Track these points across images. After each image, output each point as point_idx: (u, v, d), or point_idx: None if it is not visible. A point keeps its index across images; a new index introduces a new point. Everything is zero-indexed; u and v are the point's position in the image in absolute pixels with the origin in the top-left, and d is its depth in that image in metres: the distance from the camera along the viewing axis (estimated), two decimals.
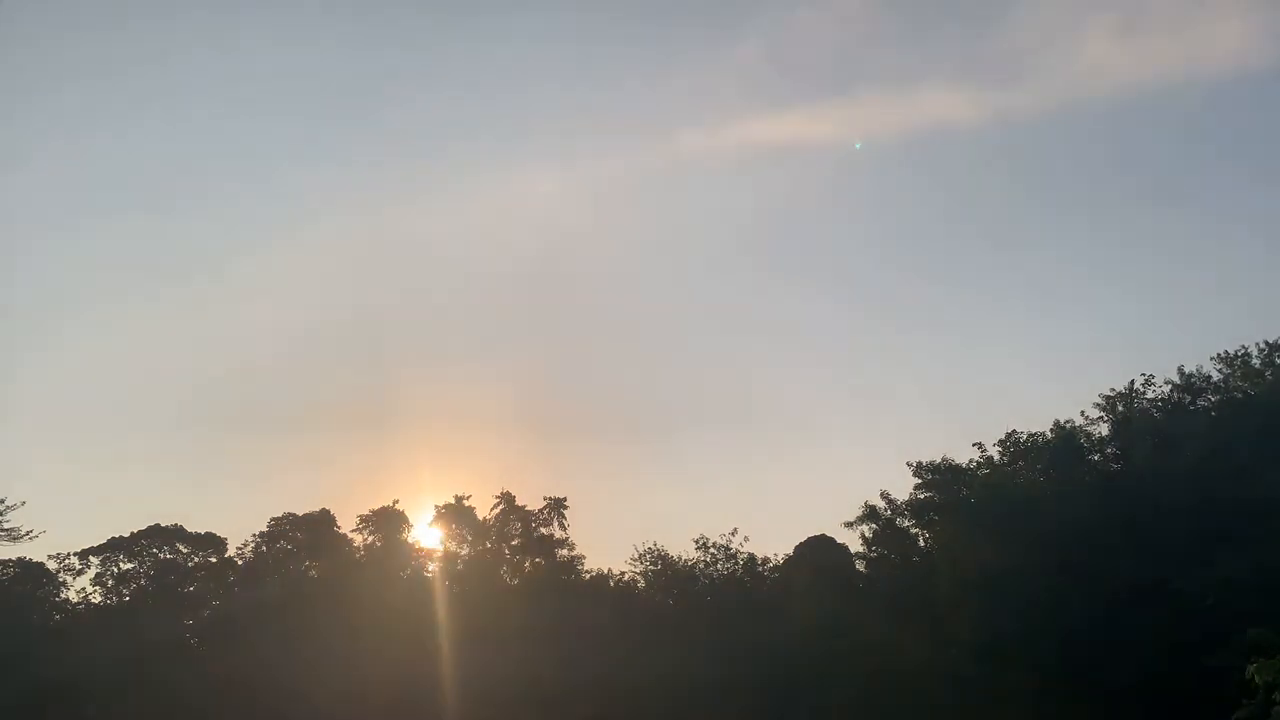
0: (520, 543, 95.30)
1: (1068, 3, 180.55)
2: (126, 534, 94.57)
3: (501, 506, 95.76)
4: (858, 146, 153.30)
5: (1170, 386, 70.50)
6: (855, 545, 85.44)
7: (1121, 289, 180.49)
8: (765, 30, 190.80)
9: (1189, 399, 70.26)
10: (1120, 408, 69.89)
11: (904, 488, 76.30)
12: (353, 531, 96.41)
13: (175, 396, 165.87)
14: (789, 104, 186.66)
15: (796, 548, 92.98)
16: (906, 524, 78.02)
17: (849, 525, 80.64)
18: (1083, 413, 70.10)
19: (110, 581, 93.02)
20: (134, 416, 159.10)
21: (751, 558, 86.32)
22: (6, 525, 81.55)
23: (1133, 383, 70.39)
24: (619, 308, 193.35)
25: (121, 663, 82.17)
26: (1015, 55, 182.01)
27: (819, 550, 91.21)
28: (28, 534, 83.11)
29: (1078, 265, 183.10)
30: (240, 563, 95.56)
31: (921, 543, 78.16)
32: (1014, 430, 70.38)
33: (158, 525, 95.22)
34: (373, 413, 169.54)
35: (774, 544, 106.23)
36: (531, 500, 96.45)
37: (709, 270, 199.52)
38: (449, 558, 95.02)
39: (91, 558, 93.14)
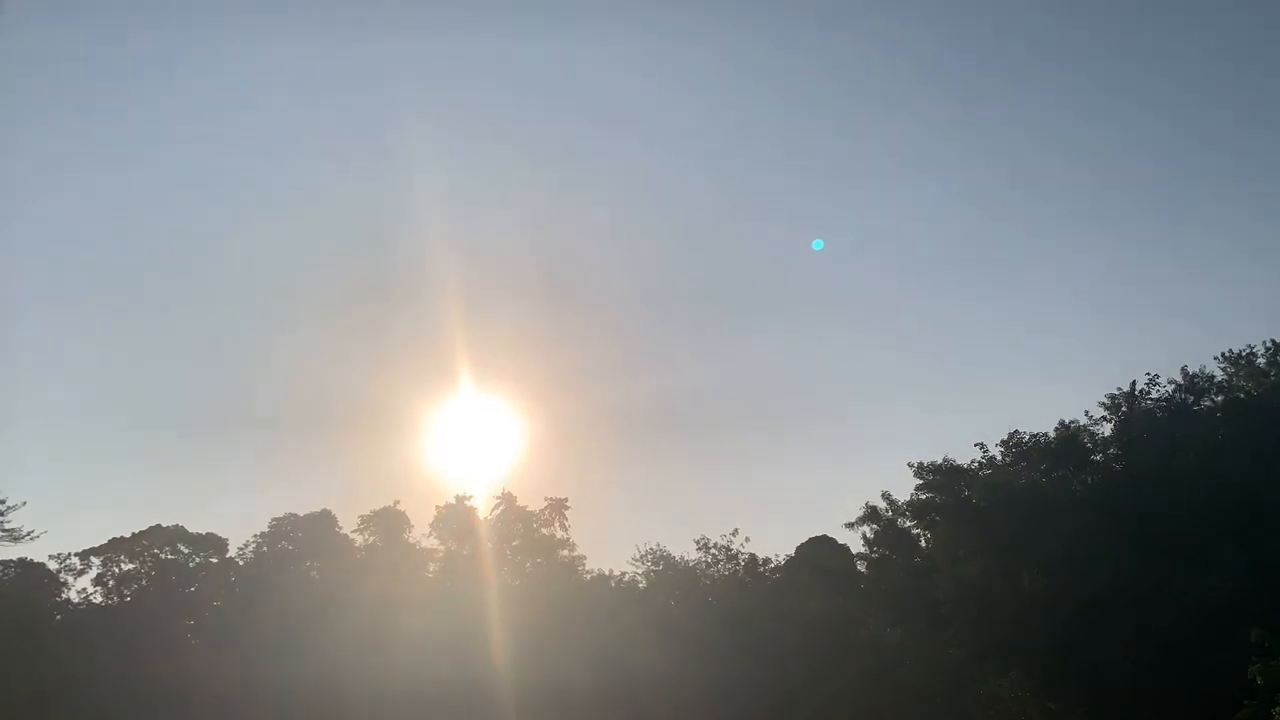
0: (521, 543, 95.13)
1: None
2: (127, 534, 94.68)
3: (502, 507, 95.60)
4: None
5: (1174, 386, 70.11)
6: (856, 546, 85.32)
7: (1125, 288, 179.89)
8: None
9: (1193, 399, 69.86)
10: (1124, 408, 69.44)
11: (905, 488, 76.07)
12: (354, 532, 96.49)
13: (176, 396, 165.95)
14: None
15: (798, 548, 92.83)
16: (908, 524, 77.74)
17: (850, 526, 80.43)
18: (1086, 413, 69.71)
19: (111, 582, 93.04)
20: (134, 416, 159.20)
21: (753, 558, 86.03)
22: (7, 525, 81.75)
23: (1135, 383, 70.01)
24: (619, 307, 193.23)
25: (122, 662, 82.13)
26: None
27: (820, 550, 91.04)
28: (29, 534, 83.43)
29: (1081, 264, 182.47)
30: (241, 563, 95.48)
31: (923, 543, 77.84)
32: (1016, 430, 69.95)
33: (159, 525, 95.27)
34: (374, 413, 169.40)
35: (775, 544, 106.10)
36: (532, 501, 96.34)
37: (710, 271, 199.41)
38: (450, 558, 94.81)
39: (93, 558, 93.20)
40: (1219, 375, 72.41)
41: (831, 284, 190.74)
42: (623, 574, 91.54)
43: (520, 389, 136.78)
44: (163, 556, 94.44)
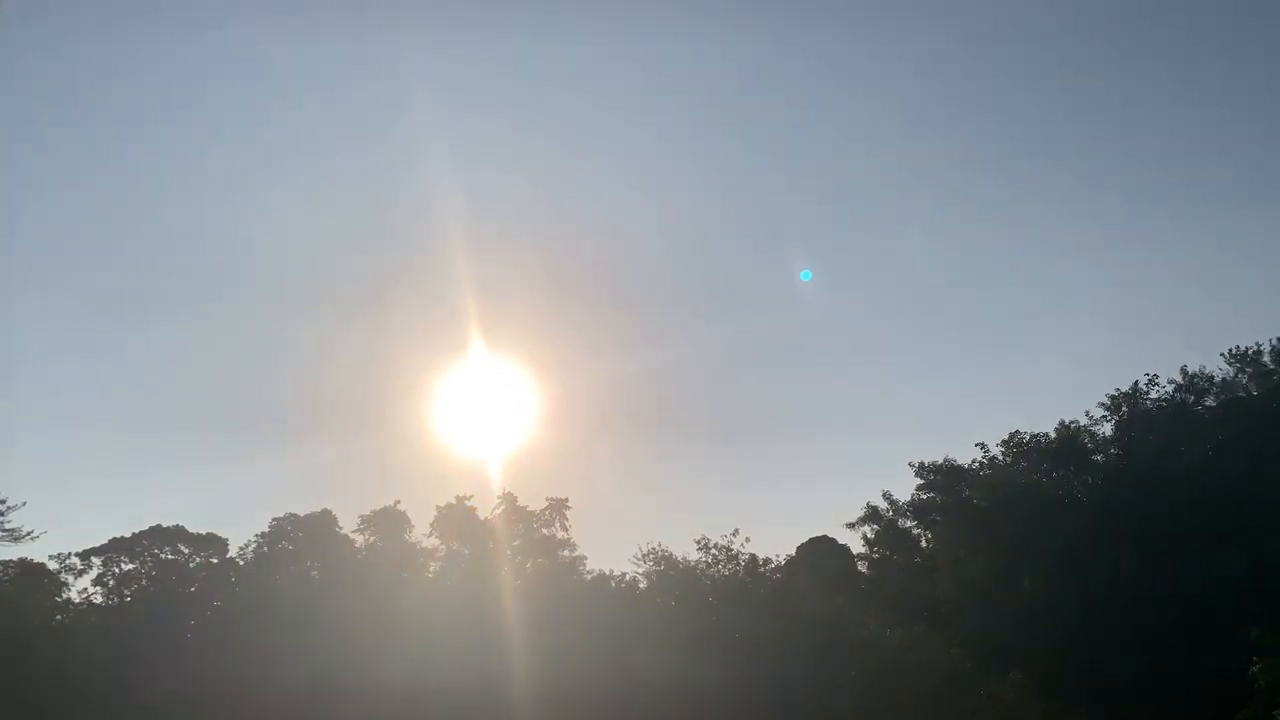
0: (522, 543, 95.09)
1: None
2: (128, 534, 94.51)
3: (503, 507, 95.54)
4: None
5: (1174, 386, 70.17)
6: (857, 546, 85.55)
7: (1126, 288, 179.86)
8: None
9: (1193, 399, 69.93)
10: (1124, 408, 69.49)
11: (906, 488, 76.20)
12: (354, 532, 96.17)
13: (176, 396, 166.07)
14: None
15: (798, 548, 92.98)
16: (908, 524, 77.99)
17: (851, 526, 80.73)
18: (1087, 413, 69.79)
19: (111, 582, 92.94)
20: (134, 416, 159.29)
21: (753, 558, 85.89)
22: (7, 525, 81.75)
23: (1137, 383, 70.05)
24: (619, 306, 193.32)
25: (122, 663, 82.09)
26: None
27: (820, 551, 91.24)
28: (29, 534, 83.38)
29: (1081, 265, 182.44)
30: (241, 563, 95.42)
31: (924, 543, 78.08)
32: (1017, 430, 70.05)
33: (159, 526, 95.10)
34: (374, 413, 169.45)
35: (775, 544, 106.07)
36: (533, 501, 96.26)
37: (712, 272, 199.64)
38: (450, 558, 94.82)
39: (93, 558, 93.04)
40: (1219, 375, 72.50)
41: (832, 283, 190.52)
42: (623, 574, 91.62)
43: (521, 389, 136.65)
44: (163, 556, 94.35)
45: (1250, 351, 73.28)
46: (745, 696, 72.33)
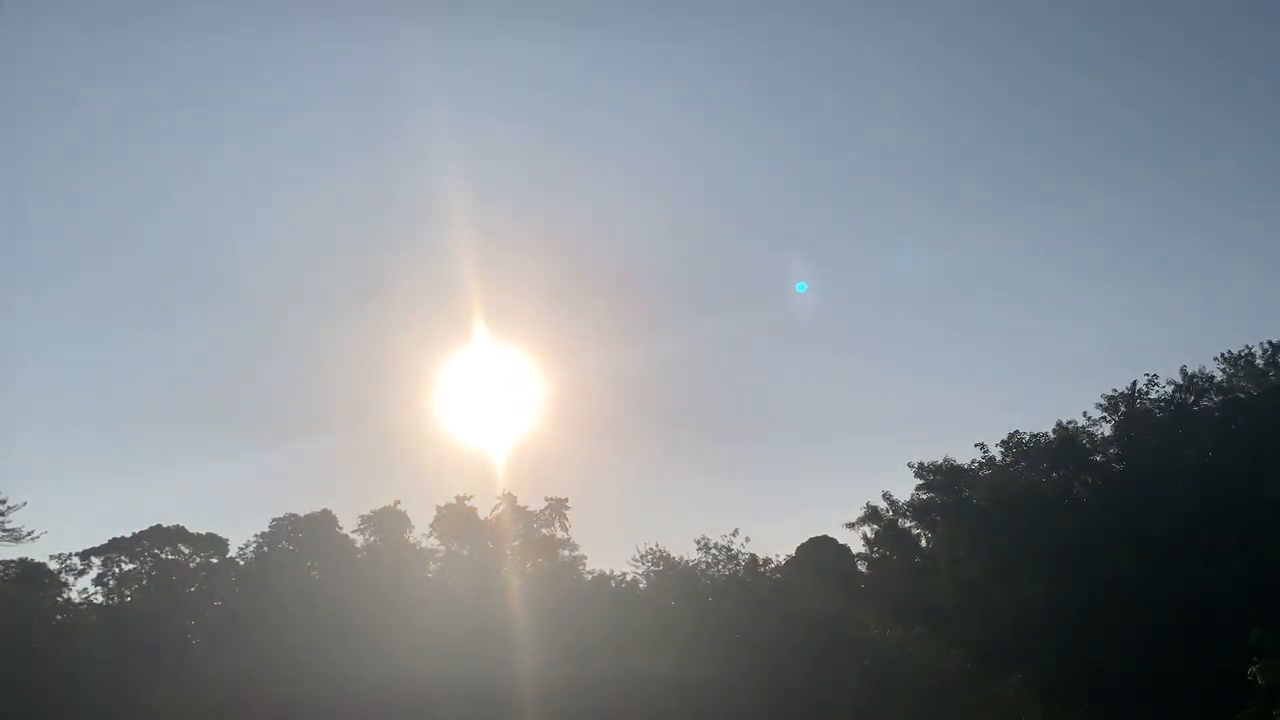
0: (522, 544, 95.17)
1: None
2: (128, 534, 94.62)
3: (503, 507, 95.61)
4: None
5: (1173, 387, 70.20)
6: (857, 546, 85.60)
7: (1126, 288, 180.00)
8: None
9: (1192, 399, 69.95)
10: (1123, 408, 69.54)
11: (906, 488, 76.22)
12: (354, 532, 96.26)
13: (176, 396, 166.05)
14: None
15: (798, 548, 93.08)
16: (908, 525, 77.99)
17: (850, 526, 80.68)
18: (1085, 413, 69.82)
19: (112, 582, 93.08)
20: (134, 416, 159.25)
21: (753, 558, 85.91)
22: (8, 525, 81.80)
23: (1135, 383, 70.11)
24: (619, 307, 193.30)
25: (122, 663, 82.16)
26: None
27: (820, 551, 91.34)
28: (29, 534, 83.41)
29: (1081, 265, 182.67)
30: (241, 563, 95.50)
31: (923, 544, 78.13)
32: (1016, 430, 70.09)
33: (159, 526, 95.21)
34: (374, 412, 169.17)
35: (775, 544, 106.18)
36: (533, 501, 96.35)
37: (711, 271, 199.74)
38: (450, 558, 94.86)
39: (93, 558, 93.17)
40: (1218, 375, 72.57)
41: (832, 282, 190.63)
42: (623, 574, 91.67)
43: (522, 389, 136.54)
44: (163, 556, 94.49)
45: (1242, 355, 73.49)
46: (745, 696, 72.32)
